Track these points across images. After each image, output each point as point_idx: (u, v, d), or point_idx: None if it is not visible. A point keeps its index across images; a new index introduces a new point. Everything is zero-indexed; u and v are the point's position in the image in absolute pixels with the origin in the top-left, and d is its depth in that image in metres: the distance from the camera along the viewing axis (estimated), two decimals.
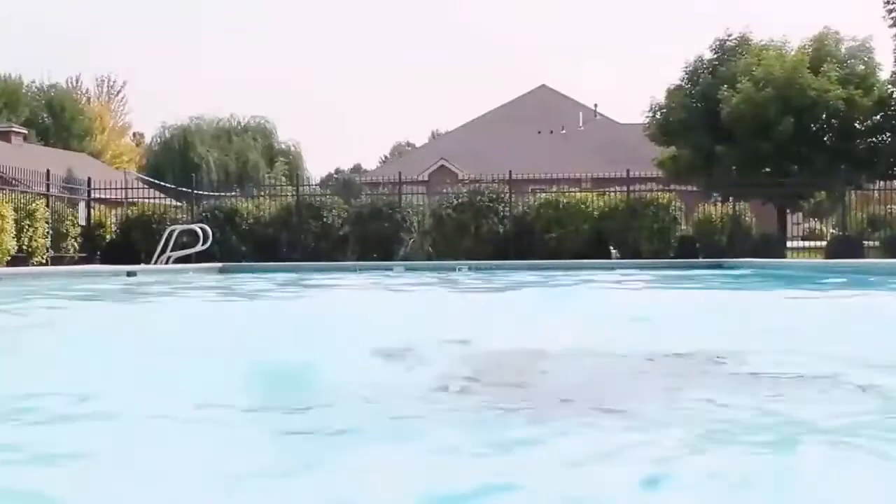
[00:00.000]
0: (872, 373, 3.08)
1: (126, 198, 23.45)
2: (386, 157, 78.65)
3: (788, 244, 24.04)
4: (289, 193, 23.00)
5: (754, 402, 2.61)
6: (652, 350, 3.59)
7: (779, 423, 2.32)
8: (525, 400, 2.68)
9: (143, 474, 1.81)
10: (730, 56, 27.47)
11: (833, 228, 28.28)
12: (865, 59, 26.18)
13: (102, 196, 22.95)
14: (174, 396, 2.73)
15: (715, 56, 28.09)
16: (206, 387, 2.73)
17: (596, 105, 51.22)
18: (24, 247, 17.49)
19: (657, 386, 2.88)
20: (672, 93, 27.99)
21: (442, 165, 42.93)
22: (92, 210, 21.98)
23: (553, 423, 2.32)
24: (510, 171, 21.50)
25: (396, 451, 2.04)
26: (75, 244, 20.25)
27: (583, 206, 20.60)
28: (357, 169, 68.10)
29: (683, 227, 21.31)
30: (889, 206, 22.25)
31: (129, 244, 20.30)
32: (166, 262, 17.54)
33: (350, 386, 2.87)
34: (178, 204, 23.57)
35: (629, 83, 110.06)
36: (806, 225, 34.46)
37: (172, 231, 18.26)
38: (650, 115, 28.26)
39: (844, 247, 19.40)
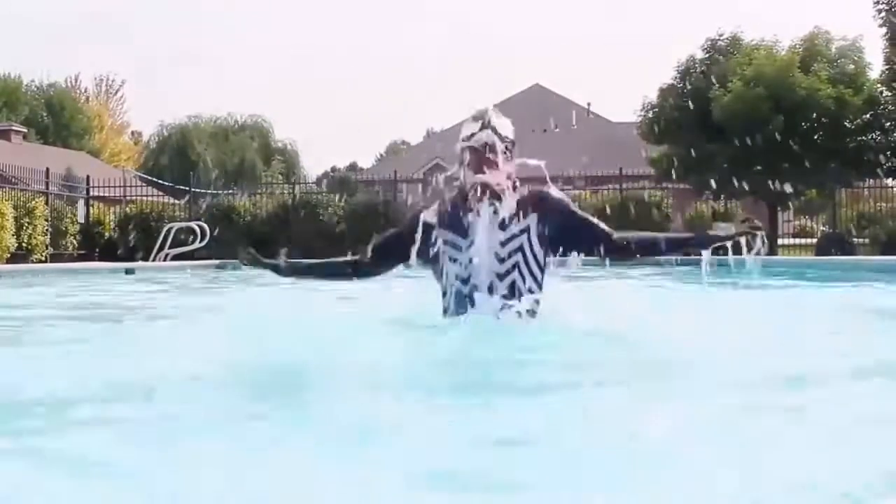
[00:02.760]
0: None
1: (124, 196, 23.65)
2: (381, 156, 78.78)
3: (779, 241, 24.27)
4: (285, 191, 23.20)
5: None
6: None
7: None
8: None
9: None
10: (721, 55, 27.68)
11: (823, 226, 28.53)
12: (855, 58, 26.38)
13: (101, 194, 23.14)
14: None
15: (706, 55, 28.26)
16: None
17: (589, 104, 51.54)
18: (24, 244, 17.65)
19: None
20: (664, 92, 28.16)
21: (437, 164, 43.12)
22: (91, 208, 22.16)
23: None
24: None
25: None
26: (74, 242, 20.41)
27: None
28: (353, 167, 68.17)
29: (675, 224, 21.58)
30: (878, 204, 22.51)
31: (128, 242, 20.46)
32: (164, 260, 17.71)
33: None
34: (176, 202, 23.76)
35: (622, 82, 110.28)
36: (797, 222, 34.65)
37: (170, 228, 18.43)
38: (642, 113, 28.43)
39: (835, 244, 19.63)
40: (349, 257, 4.33)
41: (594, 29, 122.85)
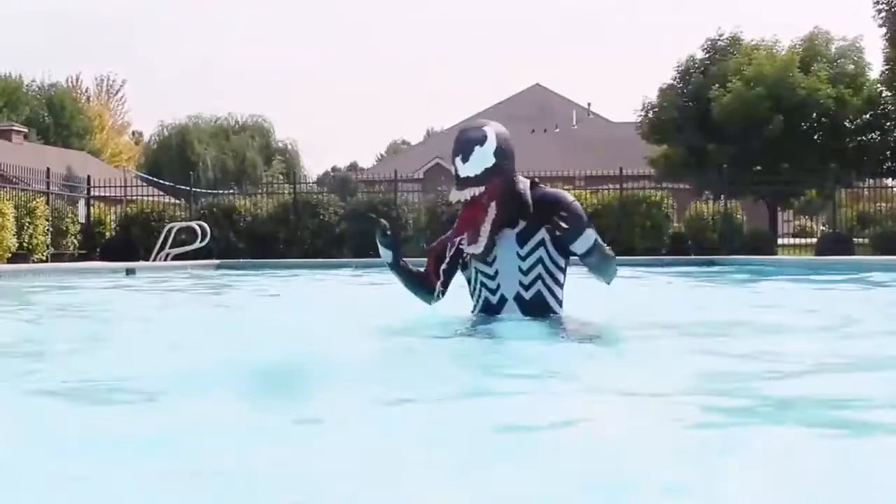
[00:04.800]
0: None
1: (125, 196, 23.64)
2: (382, 156, 78.83)
3: (779, 241, 24.29)
4: (286, 191, 23.20)
5: None
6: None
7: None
8: None
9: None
10: (721, 56, 27.77)
11: (823, 226, 28.57)
12: (855, 58, 26.51)
13: (102, 194, 23.11)
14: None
15: (706, 56, 28.40)
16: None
17: (589, 104, 51.62)
18: (25, 244, 17.65)
19: None
20: (664, 92, 28.28)
21: (437, 163, 43.14)
22: (91, 208, 22.15)
23: None
24: None
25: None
26: (75, 241, 20.40)
27: None
28: (353, 167, 68.22)
29: (675, 224, 21.59)
30: (878, 204, 22.53)
31: (129, 241, 20.47)
32: (165, 260, 17.72)
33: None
34: (177, 202, 23.77)
35: (622, 82, 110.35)
36: (796, 222, 34.72)
37: (171, 228, 18.44)
38: (642, 113, 28.55)
39: (834, 244, 19.63)
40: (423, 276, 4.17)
41: (595, 29, 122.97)
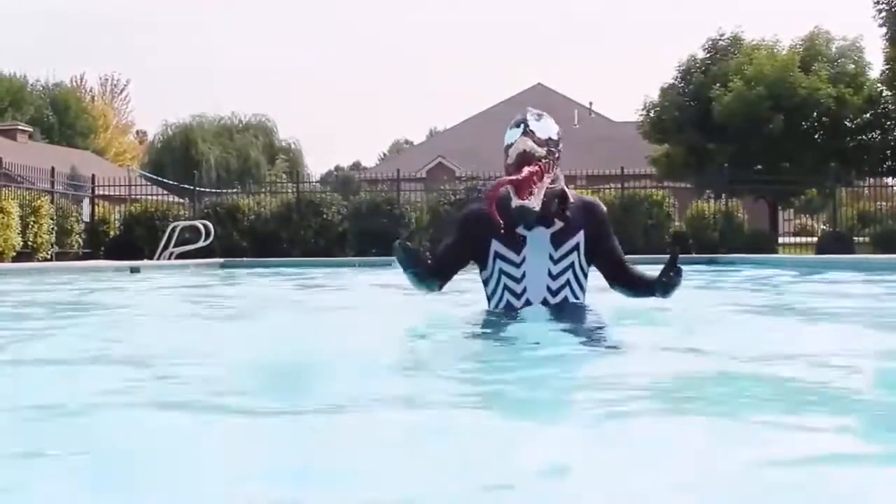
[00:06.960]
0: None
1: (129, 195, 23.73)
2: (385, 155, 78.86)
3: (780, 240, 24.35)
4: (289, 190, 23.28)
5: None
6: None
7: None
8: None
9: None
10: (722, 55, 27.84)
11: (824, 225, 28.63)
12: (855, 58, 26.56)
13: (106, 193, 23.20)
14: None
15: (707, 55, 28.45)
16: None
17: (591, 103, 51.65)
18: (29, 243, 17.76)
19: None
20: (665, 91, 28.33)
21: (440, 163, 43.24)
22: (95, 207, 22.25)
23: None
24: None
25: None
26: (79, 240, 20.49)
27: None
28: (356, 166, 68.29)
29: (677, 223, 21.66)
30: (878, 203, 22.61)
31: (132, 240, 20.56)
32: (168, 258, 17.81)
33: None
34: (181, 201, 23.87)
35: (624, 82, 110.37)
36: (797, 221, 34.78)
37: (175, 227, 18.53)
38: (644, 113, 28.60)
39: (835, 243, 19.70)
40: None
41: (596, 28, 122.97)
